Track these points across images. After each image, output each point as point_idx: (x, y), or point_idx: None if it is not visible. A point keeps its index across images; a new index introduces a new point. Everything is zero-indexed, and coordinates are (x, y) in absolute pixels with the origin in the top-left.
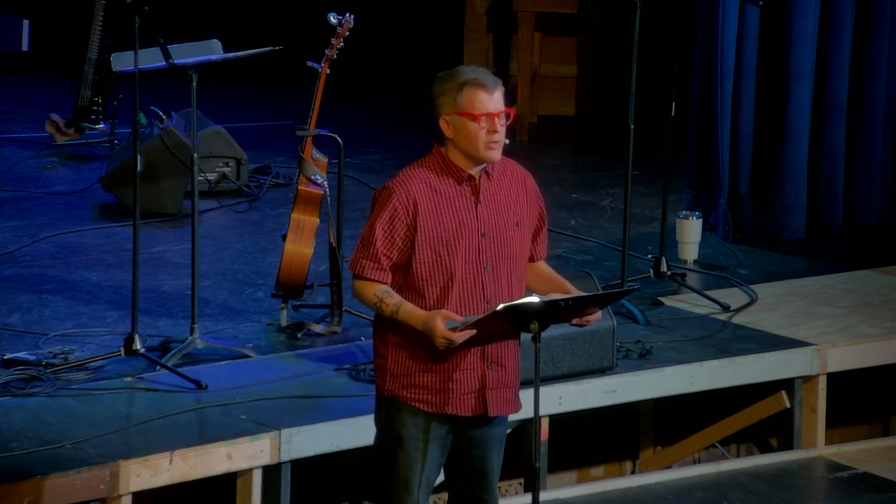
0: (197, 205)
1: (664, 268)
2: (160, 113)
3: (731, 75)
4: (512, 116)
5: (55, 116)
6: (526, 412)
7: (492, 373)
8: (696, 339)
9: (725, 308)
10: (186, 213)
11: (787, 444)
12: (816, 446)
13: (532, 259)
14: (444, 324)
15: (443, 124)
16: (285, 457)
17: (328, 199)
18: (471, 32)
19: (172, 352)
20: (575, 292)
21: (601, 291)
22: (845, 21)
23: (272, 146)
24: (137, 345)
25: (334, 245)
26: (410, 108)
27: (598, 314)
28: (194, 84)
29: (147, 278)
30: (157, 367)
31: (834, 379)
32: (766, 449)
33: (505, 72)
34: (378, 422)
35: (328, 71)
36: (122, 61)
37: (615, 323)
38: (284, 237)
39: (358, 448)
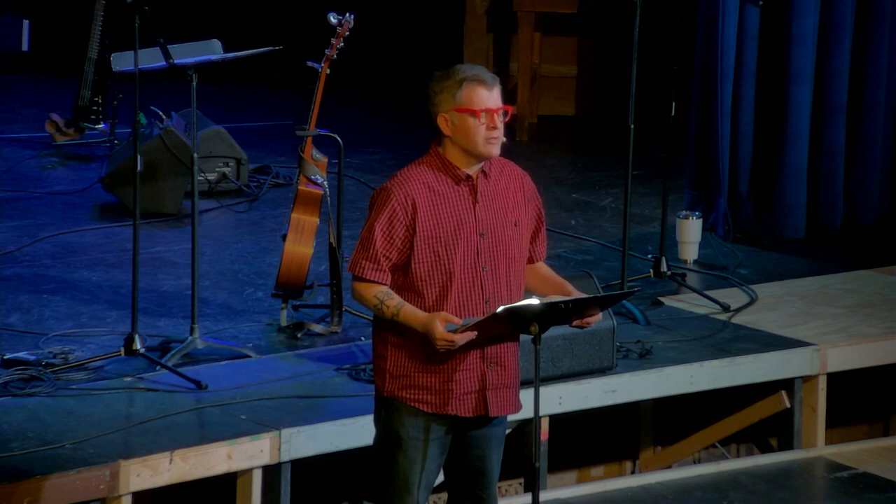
0: (197, 205)
1: (664, 268)
2: (160, 113)
3: (731, 75)
4: (510, 114)
5: (55, 116)
6: (526, 412)
7: (492, 373)
8: (696, 339)
9: (725, 308)
10: (186, 213)
11: (787, 444)
12: (816, 446)
13: (532, 260)
14: (443, 326)
15: (441, 122)
16: (285, 457)
17: (328, 199)
18: (471, 32)
19: (172, 352)
20: (576, 294)
21: (601, 293)
22: (845, 21)
23: (272, 146)
24: (137, 345)
25: (334, 245)
26: (410, 109)
27: (599, 315)
28: (194, 84)
29: (147, 278)
30: (157, 367)
31: (834, 379)
32: (766, 449)
33: (505, 72)
34: (377, 422)
35: (328, 71)
36: (122, 61)
37: (615, 323)
38: (284, 237)
39: (358, 448)
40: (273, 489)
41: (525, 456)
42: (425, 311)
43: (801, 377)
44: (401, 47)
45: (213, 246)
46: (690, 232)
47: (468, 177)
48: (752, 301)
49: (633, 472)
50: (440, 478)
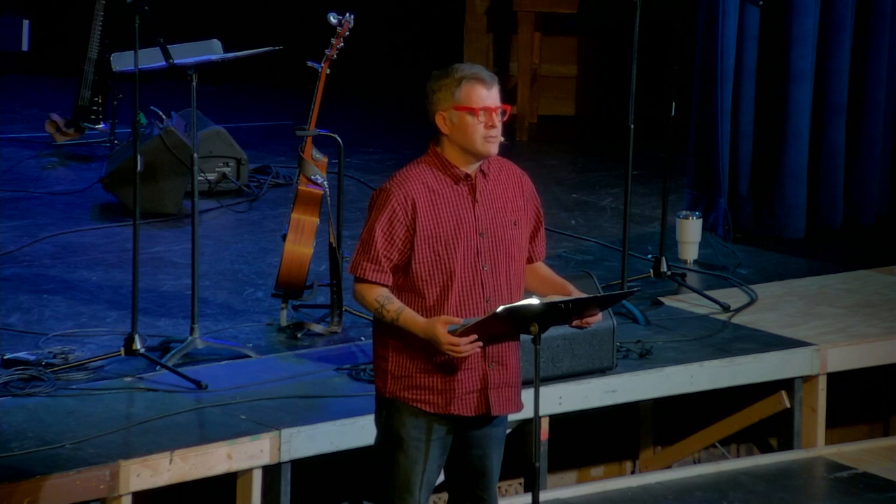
0: (197, 205)
1: (664, 268)
2: (160, 113)
3: (731, 75)
4: (508, 113)
5: (55, 116)
6: (526, 412)
7: (493, 372)
8: (696, 339)
9: (725, 308)
10: (186, 213)
11: (787, 444)
12: (816, 446)
13: (531, 260)
14: (445, 329)
15: (439, 120)
16: (285, 457)
17: (328, 199)
18: (471, 32)
19: (172, 352)
20: (576, 294)
21: (601, 293)
22: (845, 21)
23: (272, 146)
24: (137, 345)
25: (334, 245)
26: (410, 109)
27: (599, 316)
28: (194, 84)
29: (147, 278)
30: (157, 367)
31: (834, 379)
32: (766, 449)
33: (505, 72)
34: (378, 423)
35: (328, 71)
36: (122, 61)
37: (615, 323)
38: (284, 237)
39: (358, 448)
40: (273, 489)
41: (525, 456)
42: (426, 310)
43: (801, 377)
44: (401, 47)
45: (213, 246)
46: (690, 232)
47: (467, 176)
48: (752, 301)
49: (633, 472)
50: (440, 478)
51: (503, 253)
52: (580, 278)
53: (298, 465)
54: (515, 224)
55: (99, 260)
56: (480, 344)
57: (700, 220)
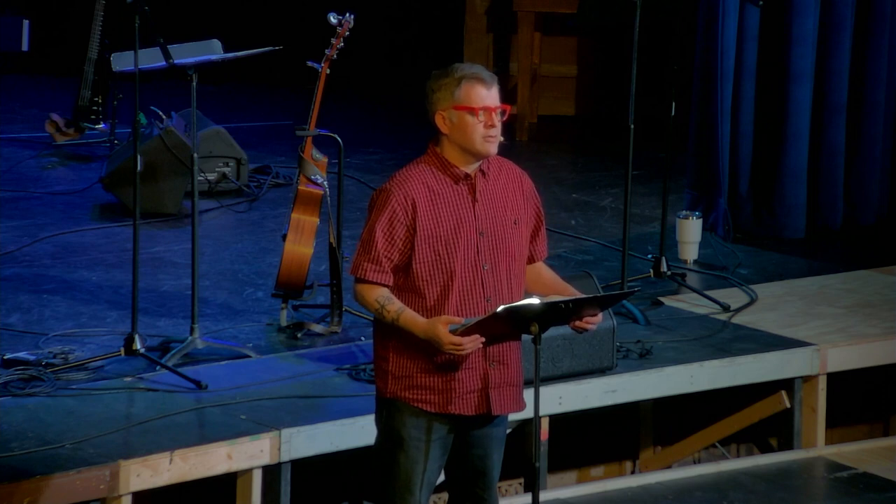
0: (197, 205)
1: (664, 268)
2: (160, 113)
3: (731, 75)
4: (508, 113)
5: (55, 116)
6: (526, 412)
7: (494, 371)
8: (696, 339)
9: (725, 308)
10: (186, 213)
11: (787, 444)
12: (816, 446)
13: (532, 259)
14: (446, 329)
15: (439, 120)
16: (285, 457)
17: (328, 199)
18: (471, 32)
19: (172, 352)
20: (576, 295)
21: (601, 293)
22: (845, 21)
23: (272, 146)
24: (137, 345)
25: (334, 245)
26: (410, 109)
27: (599, 317)
28: (194, 84)
29: (147, 278)
30: (157, 367)
31: (834, 379)
32: (766, 449)
33: (505, 72)
34: (379, 423)
35: (328, 71)
36: (122, 61)
37: (615, 323)
38: (284, 237)
39: (358, 448)
40: (273, 489)
41: (525, 456)
42: (426, 310)
43: (801, 377)
44: (401, 47)
45: (213, 246)
46: (690, 232)
47: (467, 175)
48: (752, 301)
49: (633, 472)
50: (441, 478)
51: (503, 252)
52: (580, 278)
53: (298, 465)
54: (515, 223)
55: (99, 260)
56: (483, 340)
57: (700, 220)
